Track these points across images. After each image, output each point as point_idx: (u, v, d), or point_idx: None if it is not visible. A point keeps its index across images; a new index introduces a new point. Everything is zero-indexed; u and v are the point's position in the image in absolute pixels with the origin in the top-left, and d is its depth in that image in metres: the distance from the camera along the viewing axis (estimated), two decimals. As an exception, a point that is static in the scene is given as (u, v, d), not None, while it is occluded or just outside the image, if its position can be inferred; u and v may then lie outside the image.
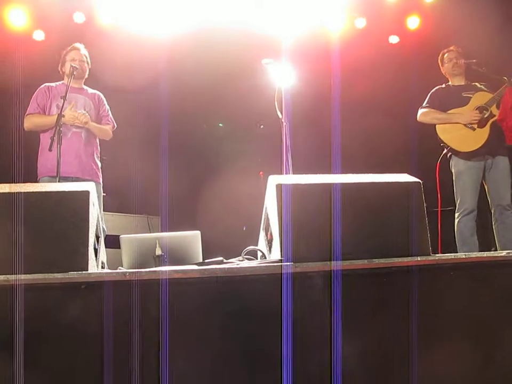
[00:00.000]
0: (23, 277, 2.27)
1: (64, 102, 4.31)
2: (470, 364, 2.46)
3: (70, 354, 2.27)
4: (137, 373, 2.24)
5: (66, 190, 2.46)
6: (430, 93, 4.89)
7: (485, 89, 4.75)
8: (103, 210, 4.90)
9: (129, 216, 5.89)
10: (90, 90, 4.82)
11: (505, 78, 4.62)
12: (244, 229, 5.87)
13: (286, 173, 3.61)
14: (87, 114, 4.57)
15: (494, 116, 4.60)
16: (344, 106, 4.78)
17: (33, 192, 2.44)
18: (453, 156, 4.72)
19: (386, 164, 4.23)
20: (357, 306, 2.43)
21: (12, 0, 5.97)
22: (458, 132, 4.65)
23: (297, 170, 3.60)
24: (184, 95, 5.89)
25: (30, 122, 4.59)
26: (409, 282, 2.46)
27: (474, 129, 4.61)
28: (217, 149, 6.30)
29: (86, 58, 4.76)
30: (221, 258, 2.76)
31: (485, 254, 2.72)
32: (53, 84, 4.73)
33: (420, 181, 2.72)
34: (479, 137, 4.60)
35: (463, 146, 4.64)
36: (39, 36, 6.29)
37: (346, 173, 2.96)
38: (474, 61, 4.75)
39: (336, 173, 3.42)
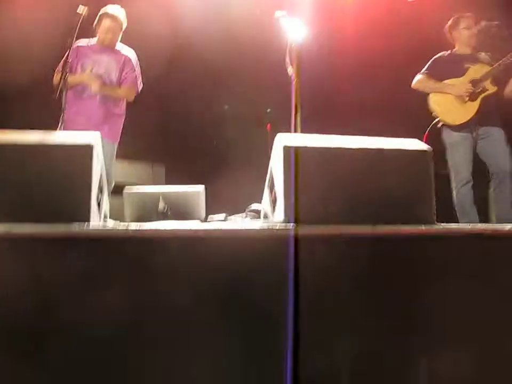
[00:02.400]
0: (25, 227, 2.27)
1: (66, 66, 4.31)
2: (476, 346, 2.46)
3: (71, 314, 2.27)
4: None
5: (69, 143, 2.43)
6: (432, 59, 4.89)
7: (486, 61, 4.75)
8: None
9: (133, 164, 5.86)
10: (124, 51, 4.86)
11: None
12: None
13: (294, 132, 3.56)
14: (96, 81, 4.66)
15: (487, 90, 4.64)
16: (357, 65, 4.69)
17: (33, 143, 2.41)
18: (443, 127, 4.76)
19: (398, 124, 4.19)
20: (359, 273, 2.42)
21: None
22: (449, 103, 4.69)
23: (306, 128, 3.54)
24: (193, 52, 5.78)
25: (55, 79, 4.66)
26: (413, 250, 2.45)
27: (465, 101, 4.65)
28: (225, 103, 6.23)
29: (122, 24, 4.74)
30: (223, 214, 2.75)
31: (488, 226, 2.70)
32: (84, 44, 4.83)
33: (430, 148, 2.68)
34: (469, 110, 4.64)
35: (451, 119, 4.69)
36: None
37: (355, 132, 2.92)
38: (496, 23, 4.65)
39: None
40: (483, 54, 4.83)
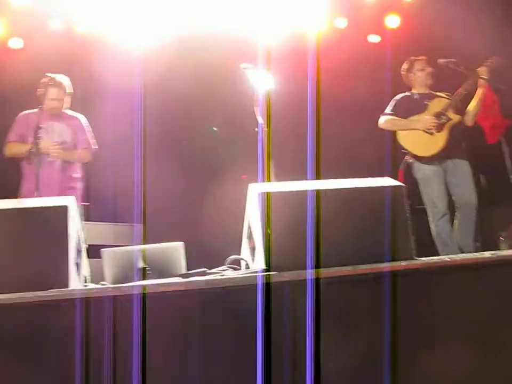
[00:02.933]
0: (2, 296, 2.24)
1: (37, 134, 4.45)
2: (459, 368, 2.45)
3: (53, 374, 2.24)
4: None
5: (44, 206, 2.43)
6: (393, 100, 5.00)
7: (445, 97, 4.87)
8: (86, 220, 4.94)
9: (112, 225, 5.83)
10: (70, 113, 4.90)
11: (483, 76, 4.69)
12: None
13: (265, 180, 3.60)
14: (57, 148, 4.70)
15: (451, 119, 4.75)
16: (325, 108, 4.77)
17: (10, 208, 2.41)
18: (414, 162, 4.83)
19: (367, 168, 4.22)
20: (341, 314, 2.42)
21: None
22: (418, 137, 4.78)
23: (281, 176, 3.59)
24: (164, 102, 5.85)
25: (9, 150, 4.78)
26: (394, 287, 2.45)
27: (432, 134, 4.75)
28: (199, 154, 6.28)
29: (67, 91, 4.78)
30: (204, 269, 2.73)
31: (470, 255, 2.72)
32: (32, 111, 4.82)
33: (403, 184, 2.72)
34: (438, 141, 4.74)
35: (422, 151, 4.78)
36: (15, 43, 6.19)
37: (325, 177, 2.96)
38: (453, 60, 4.80)
39: (312, 179, 3.42)
40: (439, 93, 4.91)
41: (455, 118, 4.76)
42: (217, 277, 2.55)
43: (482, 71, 4.70)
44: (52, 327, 2.26)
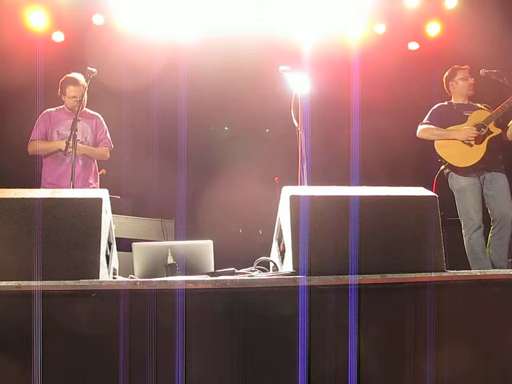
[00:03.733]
0: (34, 283, 2.27)
1: (73, 133, 4.41)
2: (482, 381, 2.43)
3: (79, 362, 2.27)
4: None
5: (80, 197, 2.46)
6: (431, 110, 4.94)
7: (485, 108, 4.81)
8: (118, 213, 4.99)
9: (143, 220, 5.90)
10: (89, 112, 4.96)
11: None
12: (260, 232, 5.82)
13: (302, 184, 3.57)
14: (80, 144, 4.69)
15: (492, 132, 4.68)
16: (363, 113, 4.75)
17: (46, 198, 2.44)
18: (451, 173, 4.77)
19: (403, 176, 4.19)
20: (370, 321, 2.40)
21: (32, 2, 6.00)
22: (456, 147, 4.72)
23: (311, 180, 3.57)
24: (199, 99, 5.88)
25: (33, 148, 4.80)
26: (423, 297, 2.43)
27: (471, 145, 4.69)
28: (231, 155, 6.29)
29: (85, 88, 4.77)
30: (232, 268, 2.74)
31: (501, 271, 2.67)
32: (53, 109, 4.93)
33: (435, 195, 2.69)
34: (476, 153, 4.67)
35: (460, 162, 4.71)
36: (58, 37, 6.32)
37: (363, 182, 2.93)
38: (495, 70, 4.71)
39: (355, 185, 3.38)
40: (479, 104, 4.86)
41: (496, 131, 4.68)
42: (246, 277, 2.56)
43: None
44: (80, 316, 2.28)
